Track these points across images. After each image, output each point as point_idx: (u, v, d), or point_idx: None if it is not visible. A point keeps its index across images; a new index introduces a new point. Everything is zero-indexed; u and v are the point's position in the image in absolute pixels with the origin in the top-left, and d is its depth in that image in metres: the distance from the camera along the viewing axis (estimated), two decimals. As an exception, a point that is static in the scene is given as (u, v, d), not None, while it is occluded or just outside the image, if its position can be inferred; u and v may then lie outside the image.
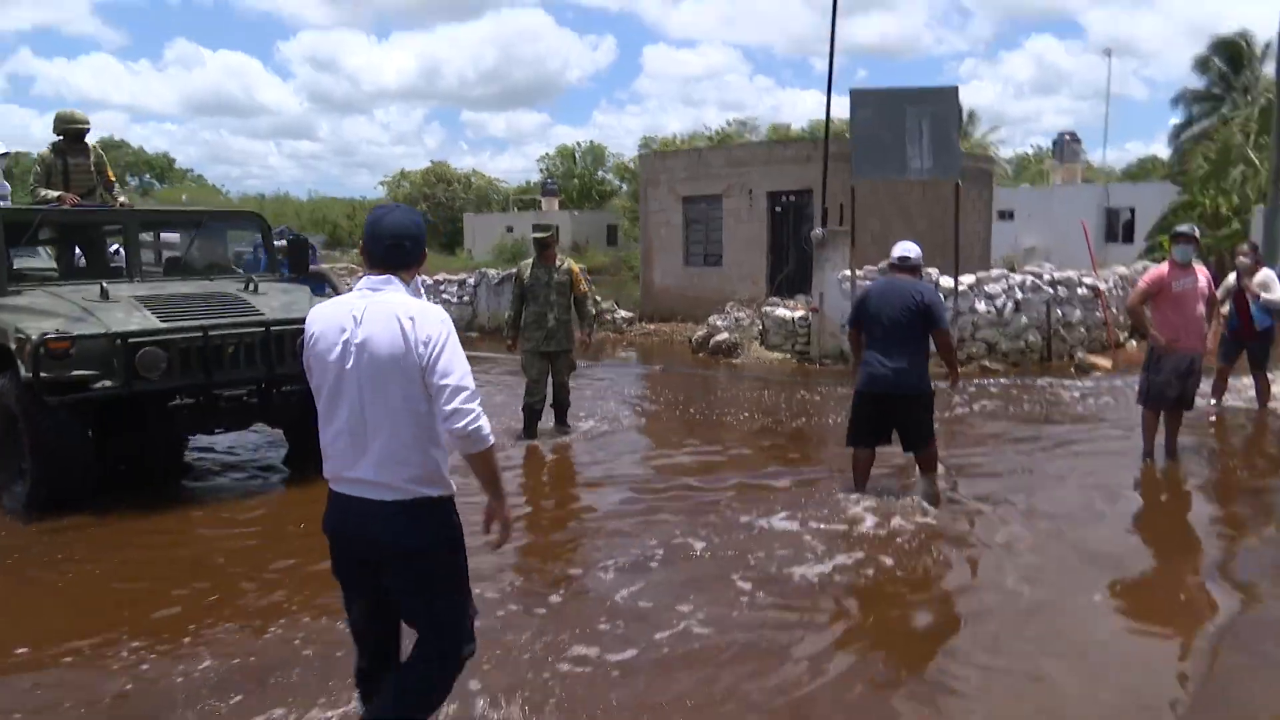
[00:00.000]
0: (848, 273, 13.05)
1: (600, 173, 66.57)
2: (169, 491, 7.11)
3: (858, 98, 12.69)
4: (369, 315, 2.82)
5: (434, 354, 2.76)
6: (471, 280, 19.01)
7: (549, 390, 8.40)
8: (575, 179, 66.92)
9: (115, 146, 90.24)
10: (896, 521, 6.01)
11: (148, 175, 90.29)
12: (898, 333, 6.10)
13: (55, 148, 8.35)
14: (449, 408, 2.73)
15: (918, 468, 6.54)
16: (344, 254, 53.96)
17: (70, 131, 8.30)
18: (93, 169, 8.48)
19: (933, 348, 6.31)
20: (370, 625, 3.05)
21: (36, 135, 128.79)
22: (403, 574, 2.88)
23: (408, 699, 2.93)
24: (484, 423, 2.77)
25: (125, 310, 6.58)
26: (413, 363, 2.77)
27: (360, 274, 3.28)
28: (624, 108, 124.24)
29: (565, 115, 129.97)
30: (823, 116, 14.29)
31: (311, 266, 16.31)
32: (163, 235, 9.53)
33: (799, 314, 14.04)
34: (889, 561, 5.41)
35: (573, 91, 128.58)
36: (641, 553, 5.54)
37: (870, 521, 6.03)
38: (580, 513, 6.76)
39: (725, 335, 14.83)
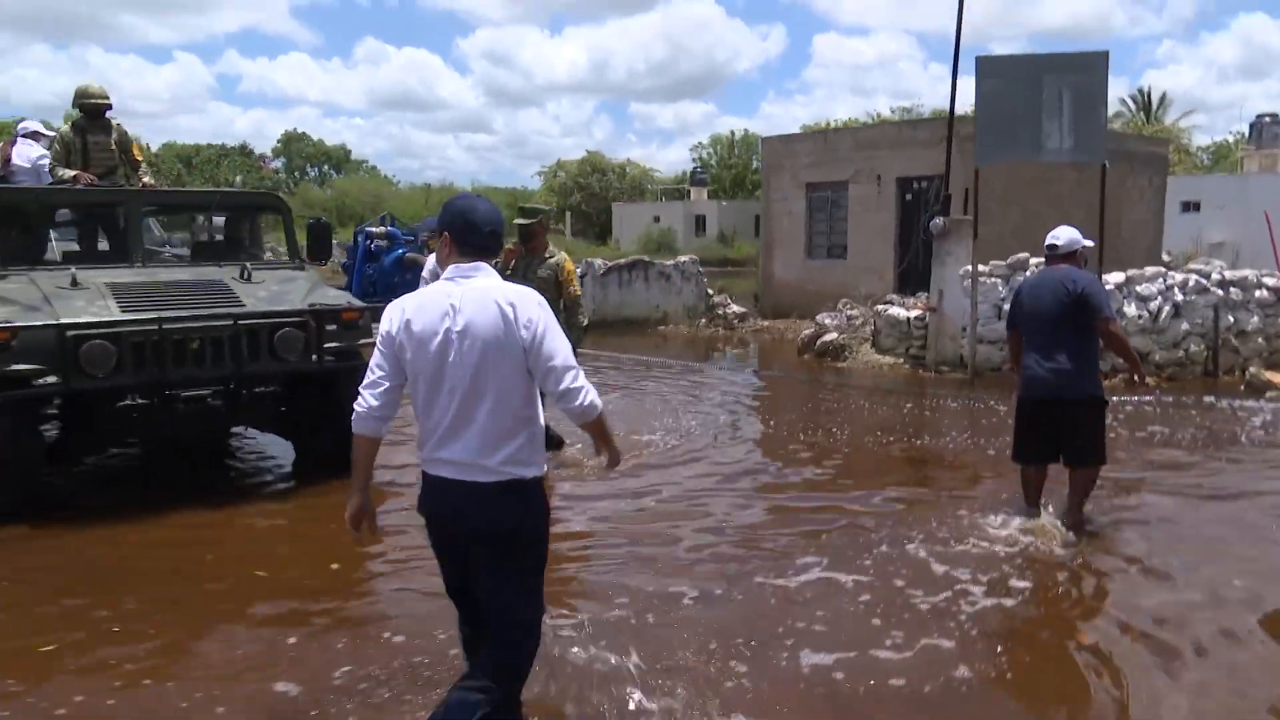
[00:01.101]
0: (970, 268, 11.41)
1: (755, 161, 65.03)
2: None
3: (985, 66, 11.01)
4: (467, 301, 2.89)
5: (537, 338, 2.86)
6: (579, 270, 18.17)
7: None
8: (729, 168, 65.57)
9: (298, 139, 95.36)
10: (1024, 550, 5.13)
11: (325, 166, 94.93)
12: (1053, 328, 5.42)
13: (75, 125, 7.93)
14: (561, 388, 2.87)
15: (1068, 483, 5.61)
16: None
17: (88, 107, 7.86)
18: (114, 147, 8.03)
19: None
20: (468, 596, 3.11)
21: (239, 130, 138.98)
22: (493, 552, 2.96)
23: (500, 683, 2.97)
24: (593, 396, 2.92)
25: (87, 300, 5.99)
26: (515, 346, 2.86)
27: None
28: (792, 97, 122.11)
29: (732, 106, 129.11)
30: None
31: (406, 254, 15.99)
32: (214, 220, 9.11)
33: (915, 313, 12.47)
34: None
35: (741, 82, 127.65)
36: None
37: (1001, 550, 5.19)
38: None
39: (834, 335, 13.40)
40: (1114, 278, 11.34)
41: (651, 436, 8.07)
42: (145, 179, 8.22)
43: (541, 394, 3.02)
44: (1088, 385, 5.43)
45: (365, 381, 2.97)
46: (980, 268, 11.61)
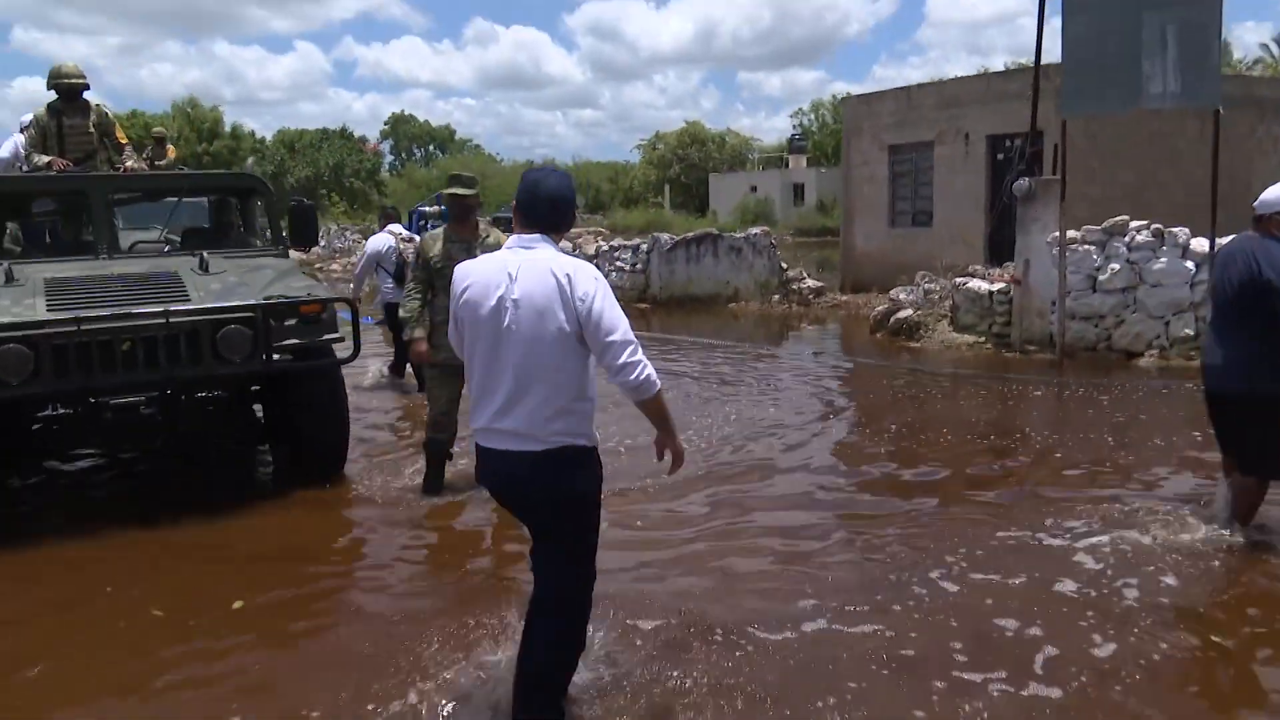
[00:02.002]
0: (1058, 235, 10.06)
1: (856, 126, 62.65)
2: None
3: (1073, 2, 9.59)
4: (524, 272, 2.89)
5: (593, 311, 2.83)
6: (645, 246, 17.30)
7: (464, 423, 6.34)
8: (831, 134, 63.53)
9: (405, 121, 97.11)
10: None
11: (431, 146, 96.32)
12: (1225, 310, 4.71)
13: (50, 108, 7.44)
14: (618, 362, 2.83)
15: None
16: (605, 216, 54.38)
17: (62, 88, 7.36)
18: (92, 130, 7.53)
19: None
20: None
21: (356, 114, 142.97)
22: (547, 519, 2.99)
23: (551, 655, 3.03)
24: (651, 371, 2.87)
25: (14, 298, 5.43)
26: (569, 318, 2.84)
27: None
28: (905, 60, 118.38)
29: (843, 71, 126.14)
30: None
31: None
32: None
33: (998, 287, 11.16)
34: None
35: (851, 46, 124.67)
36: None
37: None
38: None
39: (908, 312, 12.18)
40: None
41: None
42: (129, 163, 7.70)
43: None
44: (1241, 381, 4.59)
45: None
46: (1071, 234, 10.24)
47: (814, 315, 15.41)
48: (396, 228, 10.11)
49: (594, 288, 2.86)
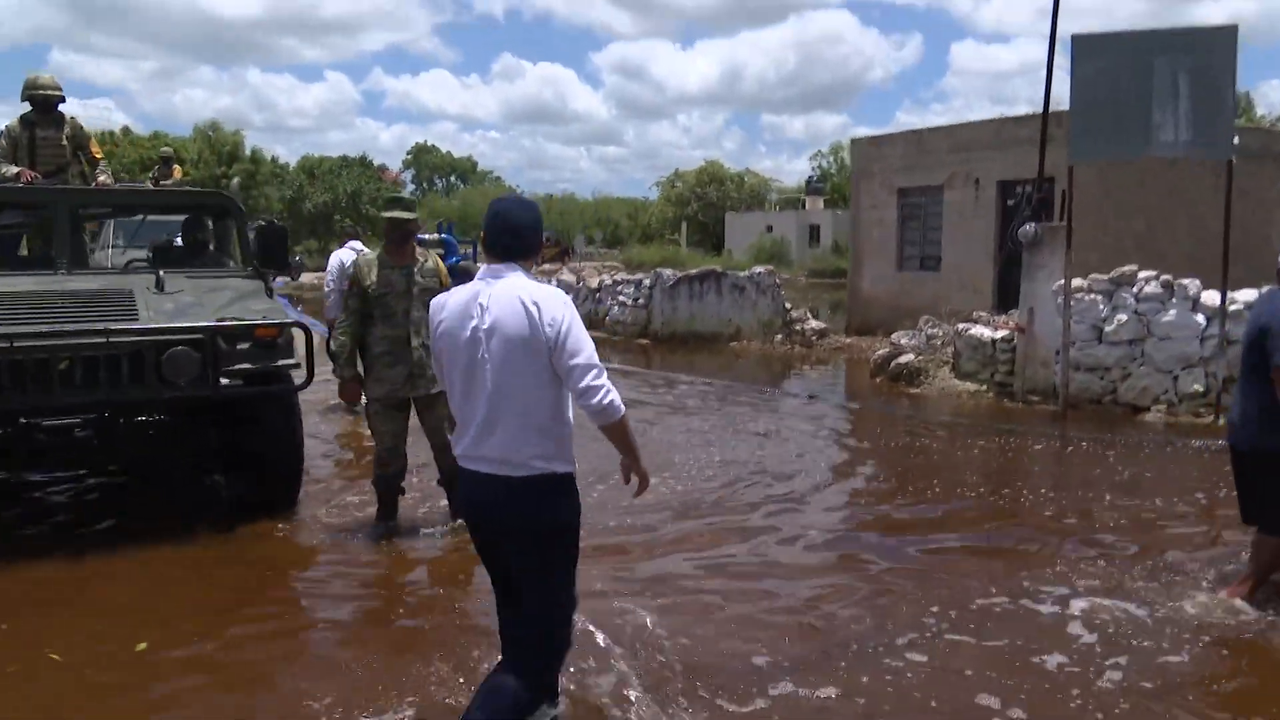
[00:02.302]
0: (1063, 283, 9.73)
1: (875, 170, 62.64)
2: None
3: (1083, 45, 9.32)
4: (494, 301, 2.94)
5: (561, 336, 2.87)
6: (648, 281, 17.05)
7: (415, 454, 5.96)
8: (849, 178, 63.34)
9: (427, 151, 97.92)
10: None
11: (453, 176, 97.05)
12: (1243, 363, 4.61)
13: (23, 119, 7.29)
14: (582, 385, 2.85)
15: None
16: (622, 251, 54.33)
17: (37, 99, 7.21)
18: (65, 143, 7.37)
19: None
20: (510, 587, 3.11)
21: (383, 144, 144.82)
22: (525, 547, 2.99)
23: (530, 674, 3.01)
24: (615, 396, 2.89)
25: (-46, 312, 5.21)
26: (540, 344, 2.88)
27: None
28: (928, 107, 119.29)
29: (866, 116, 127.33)
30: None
31: (460, 263, 15.18)
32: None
33: (1001, 334, 10.82)
34: None
35: (875, 92, 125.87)
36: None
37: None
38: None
39: (909, 357, 11.84)
40: (1243, 296, 9.45)
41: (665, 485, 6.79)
42: (101, 178, 7.52)
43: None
44: (1252, 437, 4.49)
45: None
46: (1078, 282, 9.91)
47: (816, 357, 15.08)
48: (357, 244, 10.21)
49: (562, 313, 2.90)
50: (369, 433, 5.89)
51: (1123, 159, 10.93)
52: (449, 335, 2.99)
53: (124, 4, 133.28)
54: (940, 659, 3.95)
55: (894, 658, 3.95)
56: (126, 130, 49.93)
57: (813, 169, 65.66)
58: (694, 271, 16.90)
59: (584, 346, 2.88)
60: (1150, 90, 9.13)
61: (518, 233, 3.04)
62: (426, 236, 15.81)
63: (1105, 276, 9.94)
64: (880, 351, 12.46)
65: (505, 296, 2.93)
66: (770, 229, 53.16)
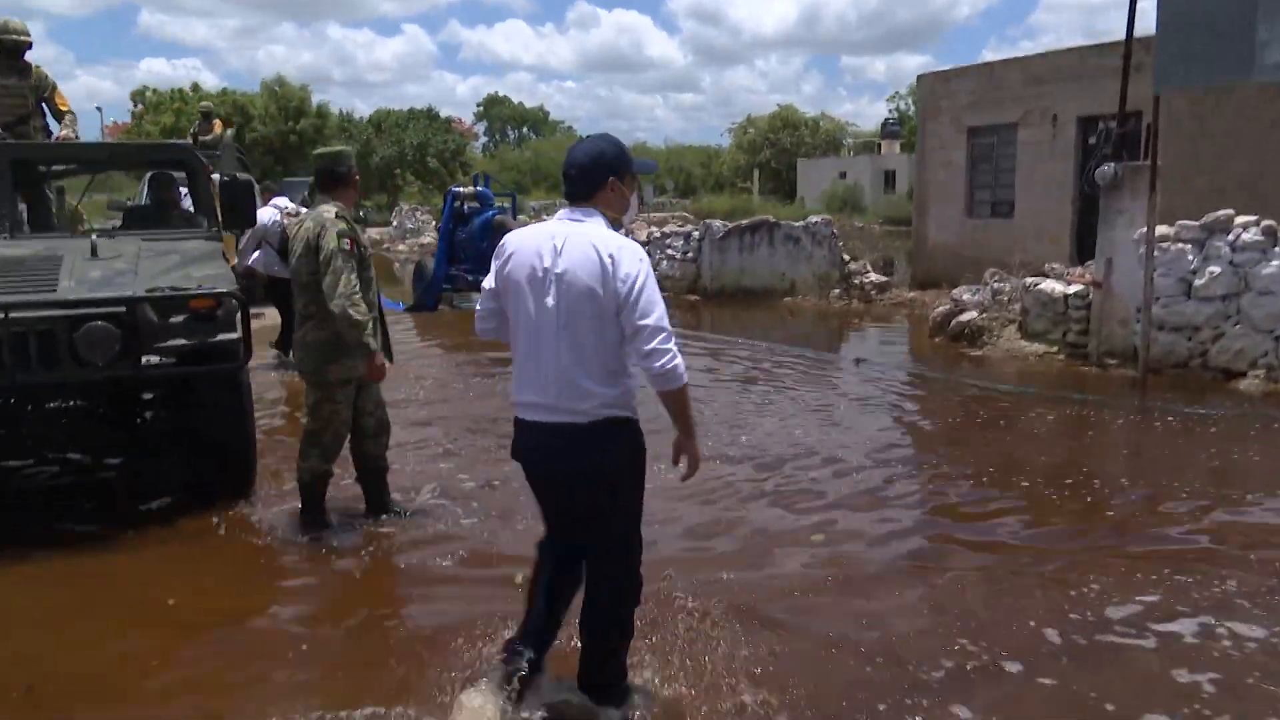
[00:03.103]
0: (1146, 230, 8.54)
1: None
2: None
3: (1173, -46, 8.04)
4: (569, 246, 2.85)
5: (633, 292, 2.78)
6: (696, 233, 16.10)
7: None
8: (928, 119, 60.74)
9: (498, 102, 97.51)
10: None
11: (524, 128, 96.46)
12: None
13: (-15, 65, 6.71)
14: (647, 347, 2.76)
15: None
16: (694, 201, 53.20)
17: (5, 44, 6.61)
18: (28, 93, 6.79)
19: None
20: (566, 537, 3.08)
21: (460, 96, 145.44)
22: (589, 493, 2.94)
23: (605, 630, 3.03)
24: (680, 361, 2.80)
25: None
26: (610, 297, 2.79)
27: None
28: (1016, 44, 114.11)
29: (950, 56, 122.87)
30: None
31: (496, 217, 14.43)
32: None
33: (1074, 289, 9.67)
34: None
35: (960, 30, 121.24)
36: None
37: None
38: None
39: (972, 315, 10.76)
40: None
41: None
42: (64, 132, 6.94)
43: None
44: None
45: (477, 307, 3.13)
46: (1163, 230, 8.71)
47: (875, 313, 14.03)
48: (282, 201, 9.90)
49: (637, 269, 2.80)
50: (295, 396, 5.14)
51: (1219, 83, 9.55)
52: (515, 275, 2.90)
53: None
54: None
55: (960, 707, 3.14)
56: (196, 87, 50.11)
57: (890, 111, 63.01)
58: (745, 222, 15.89)
59: (655, 307, 2.78)
60: (1253, 4, 7.83)
61: (582, 169, 2.93)
62: (461, 189, 15.13)
63: (1195, 223, 8.72)
64: (939, 308, 11.38)
65: (580, 243, 2.84)
66: (844, 175, 51.31)
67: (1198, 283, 8.62)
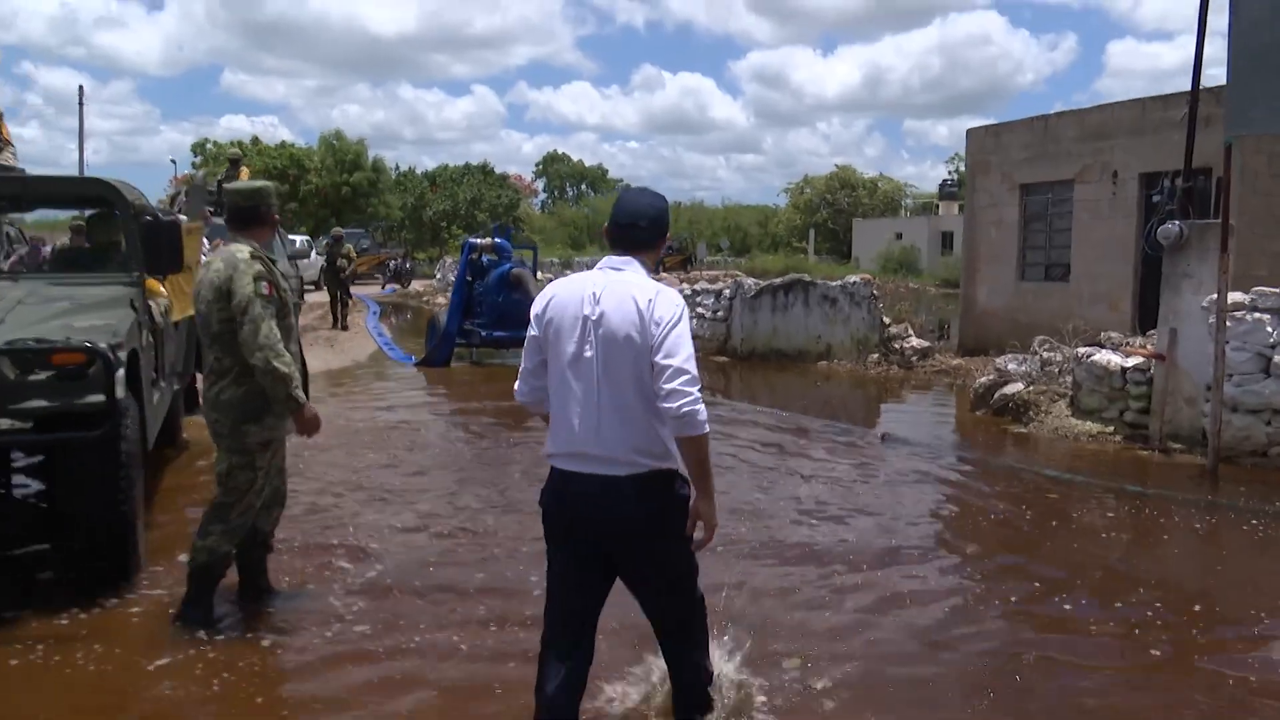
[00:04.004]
0: (1216, 297, 7.44)
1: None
2: None
3: (1245, -13, 7.05)
4: (607, 293, 2.83)
5: (663, 334, 2.74)
6: (728, 291, 15.21)
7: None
8: (988, 180, 59.52)
9: (558, 160, 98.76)
10: None
11: (583, 185, 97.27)
12: None
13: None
14: (668, 387, 2.70)
15: None
16: (749, 259, 52.54)
17: None
18: None
19: None
20: (578, 601, 2.94)
21: (525, 154, 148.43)
22: (635, 548, 2.86)
23: (694, 688, 3.05)
24: (700, 407, 2.70)
25: None
26: (646, 342, 2.76)
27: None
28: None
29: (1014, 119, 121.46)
30: None
31: (512, 270, 13.69)
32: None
33: (1132, 362, 8.55)
34: None
35: (1025, 95, 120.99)
36: None
37: None
38: None
39: (1018, 387, 9.66)
40: None
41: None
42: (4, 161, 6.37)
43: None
44: None
45: (520, 368, 3.01)
46: (1236, 297, 7.60)
47: (916, 381, 12.94)
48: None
49: (671, 313, 2.77)
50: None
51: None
52: (556, 323, 2.86)
53: (290, 25, 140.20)
54: None
55: None
56: (255, 140, 51.02)
57: (949, 172, 61.88)
58: (778, 280, 14.99)
59: (681, 349, 2.73)
60: (1342, 41, 6.81)
61: (635, 222, 2.94)
62: (478, 240, 14.45)
63: (1275, 290, 7.59)
64: (982, 379, 10.28)
65: (619, 290, 2.82)
66: (900, 236, 50.21)
67: (1278, 358, 7.47)
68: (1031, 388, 9.53)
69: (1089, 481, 7.12)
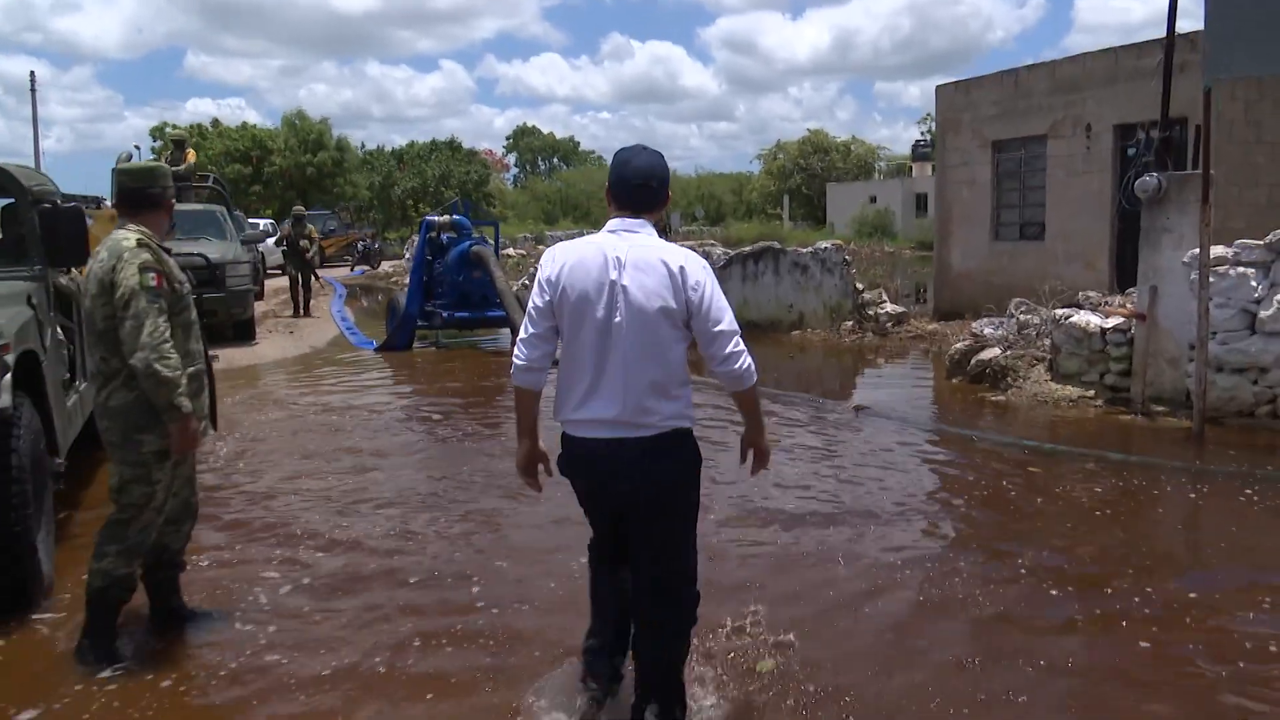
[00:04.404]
0: (1199, 251, 7.10)
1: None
2: None
3: (1223, -80, 6.64)
4: (633, 259, 2.83)
5: (704, 300, 2.81)
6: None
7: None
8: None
9: (528, 133, 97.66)
10: None
11: (555, 158, 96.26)
12: None
13: None
14: (726, 350, 2.81)
15: None
16: (724, 227, 52.03)
17: None
18: None
19: None
20: (620, 557, 3.07)
21: (497, 128, 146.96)
22: (653, 505, 2.91)
23: (673, 641, 3.01)
24: (752, 362, 2.86)
25: None
26: (679, 308, 2.81)
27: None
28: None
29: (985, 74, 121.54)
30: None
31: (473, 248, 13.19)
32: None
33: (1112, 322, 8.21)
34: None
35: (995, 54, 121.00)
36: None
37: None
38: None
39: (995, 352, 9.32)
40: None
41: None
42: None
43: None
44: None
45: (521, 335, 2.94)
46: (1219, 250, 7.27)
47: (891, 348, 12.59)
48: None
49: (704, 277, 2.84)
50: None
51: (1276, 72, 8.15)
52: (578, 289, 2.82)
53: (253, 5, 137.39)
54: None
55: None
56: (216, 122, 49.90)
57: (921, 133, 61.47)
58: (747, 249, 14.56)
59: (725, 313, 2.84)
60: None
61: (646, 182, 2.91)
62: (436, 218, 13.94)
63: (1259, 242, 7.26)
64: (957, 345, 9.94)
65: (645, 255, 2.83)
66: (874, 199, 49.90)
67: (1264, 314, 7.15)
68: (1009, 352, 9.19)
69: (1071, 451, 6.79)
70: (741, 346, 2.82)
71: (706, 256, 14.42)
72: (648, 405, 2.80)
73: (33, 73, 34.67)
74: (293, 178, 45.65)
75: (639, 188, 2.89)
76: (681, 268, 2.80)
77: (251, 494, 5.92)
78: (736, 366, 2.81)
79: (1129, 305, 8.36)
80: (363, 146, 55.60)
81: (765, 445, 3.05)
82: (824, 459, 6.80)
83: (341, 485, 6.13)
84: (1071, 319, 8.46)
